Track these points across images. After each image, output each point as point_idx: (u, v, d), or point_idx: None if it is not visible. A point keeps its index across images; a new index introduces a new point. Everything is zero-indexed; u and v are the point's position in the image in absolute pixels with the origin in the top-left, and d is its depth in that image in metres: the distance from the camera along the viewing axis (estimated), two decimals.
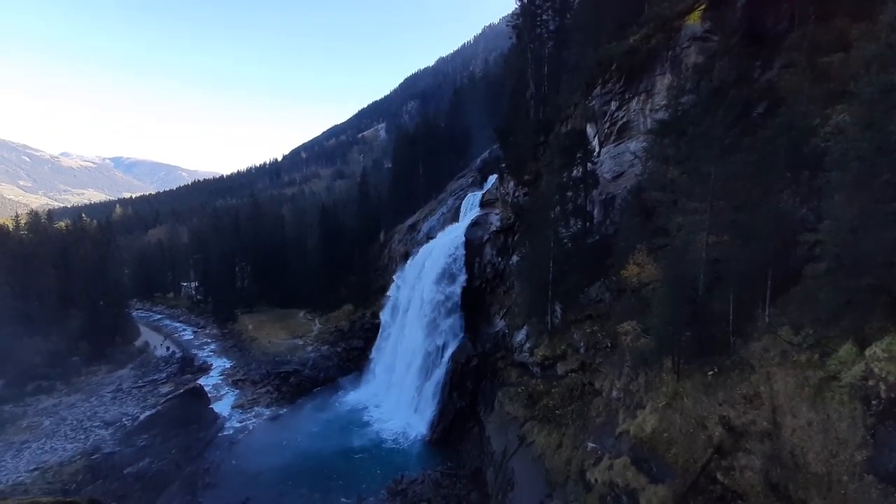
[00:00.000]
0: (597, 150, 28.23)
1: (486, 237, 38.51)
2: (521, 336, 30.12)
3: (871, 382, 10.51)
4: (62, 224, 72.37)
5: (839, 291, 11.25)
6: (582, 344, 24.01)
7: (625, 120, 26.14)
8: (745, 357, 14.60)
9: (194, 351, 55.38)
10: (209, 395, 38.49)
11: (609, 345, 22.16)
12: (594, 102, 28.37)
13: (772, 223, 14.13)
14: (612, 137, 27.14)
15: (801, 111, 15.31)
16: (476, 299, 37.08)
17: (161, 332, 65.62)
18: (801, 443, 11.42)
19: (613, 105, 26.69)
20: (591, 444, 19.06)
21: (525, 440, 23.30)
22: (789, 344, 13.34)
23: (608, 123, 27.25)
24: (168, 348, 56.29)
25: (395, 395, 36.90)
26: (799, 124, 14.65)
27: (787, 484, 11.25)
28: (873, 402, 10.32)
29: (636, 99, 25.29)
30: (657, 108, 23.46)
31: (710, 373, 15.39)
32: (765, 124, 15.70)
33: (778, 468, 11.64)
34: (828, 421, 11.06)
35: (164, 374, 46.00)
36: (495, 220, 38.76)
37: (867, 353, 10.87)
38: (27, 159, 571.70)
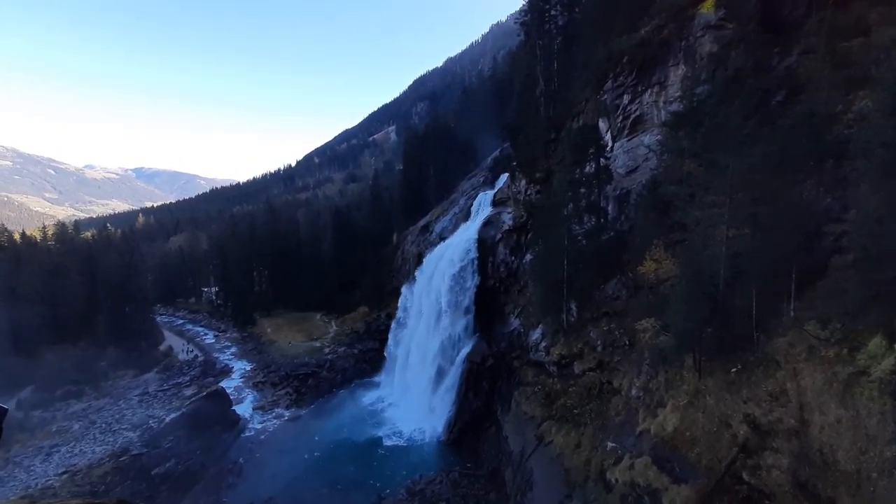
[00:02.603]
0: (610, 144, 27.83)
1: (498, 236, 38.36)
2: (536, 335, 29.90)
3: None
4: (88, 234, 75.11)
5: (867, 283, 10.84)
6: (599, 342, 23.68)
7: (638, 113, 25.71)
8: (770, 353, 14.19)
9: (216, 354, 56.73)
10: (231, 398, 39.36)
11: (627, 342, 21.81)
12: (606, 97, 27.99)
13: (794, 215, 13.70)
14: (626, 131, 26.72)
15: (823, 98, 14.82)
16: (490, 299, 36.97)
17: (184, 337, 67.44)
18: (829, 440, 11.05)
19: (626, 98, 26.28)
20: (610, 444, 18.78)
21: (543, 440, 23.11)
22: (816, 339, 12.90)
23: (621, 117, 26.84)
24: (191, 352, 57.81)
25: (412, 396, 37.08)
26: (820, 112, 14.18)
27: (815, 483, 10.89)
28: None
29: (649, 91, 24.85)
30: (671, 99, 23.00)
31: (734, 370, 15.00)
32: (784, 113, 15.24)
33: (806, 467, 11.28)
34: (857, 417, 10.67)
35: (187, 378, 47.28)
36: (508, 219, 38.58)
37: None
38: (52, 172, 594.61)
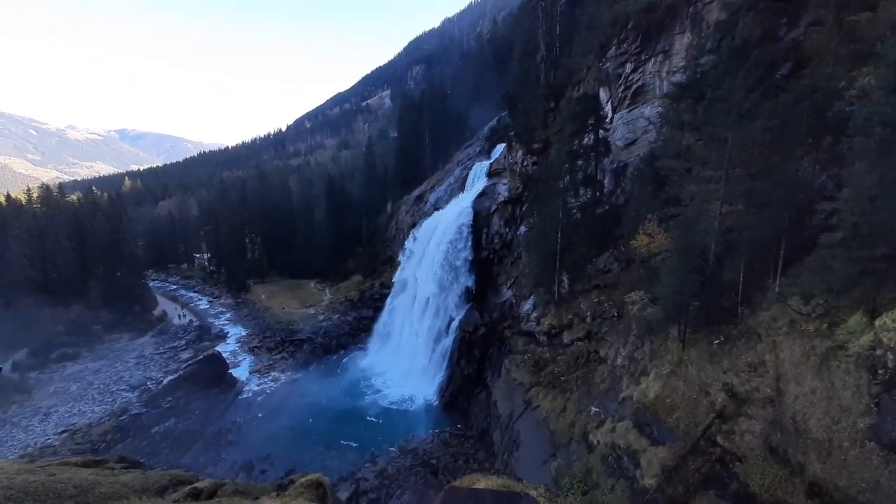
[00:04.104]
0: (609, 115, 27.31)
1: (493, 208, 38.21)
2: (528, 306, 30.49)
3: (878, 352, 10.56)
4: (74, 197, 73.21)
5: (853, 261, 11.09)
6: (589, 313, 24.28)
7: (640, 83, 25.08)
8: (753, 326, 14.69)
9: (211, 319, 57.25)
10: (227, 361, 40.13)
11: (616, 314, 22.40)
12: (608, 64, 27.16)
13: (788, 191, 13.76)
14: (626, 102, 26.16)
15: (827, 73, 14.53)
16: (484, 270, 37.34)
17: (178, 302, 67.67)
18: (803, 409, 11.67)
19: (628, 67, 25.54)
20: (594, 409, 19.69)
21: (531, 404, 24.12)
22: (798, 313, 13.35)
23: (622, 87, 26.18)
24: (185, 317, 58.23)
25: (405, 362, 38.10)
26: (823, 87, 13.94)
27: (786, 448, 11.60)
28: (879, 372, 10.41)
29: (653, 60, 24.14)
30: (675, 69, 22.41)
31: (716, 341, 15.56)
32: (788, 87, 14.94)
33: (778, 433, 11.97)
34: (832, 389, 11.23)
35: (183, 342, 47.89)
36: (503, 191, 38.29)
37: (877, 323, 10.86)
38: (34, 133, 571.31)
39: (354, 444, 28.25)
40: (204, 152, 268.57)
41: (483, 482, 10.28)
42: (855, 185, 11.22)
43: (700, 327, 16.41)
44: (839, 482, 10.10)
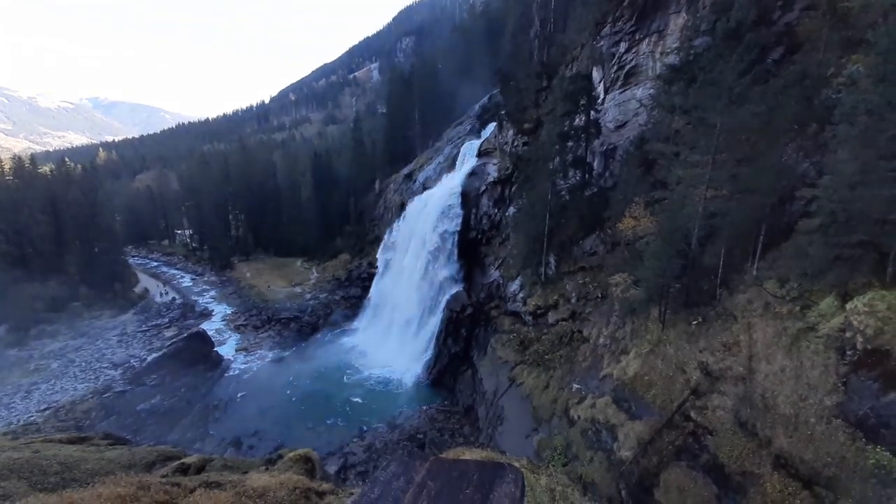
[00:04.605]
0: (601, 96, 27.07)
1: (482, 188, 38.02)
2: (514, 286, 30.88)
3: (848, 334, 11.08)
4: (46, 168, 69.84)
5: (829, 247, 11.48)
6: (574, 294, 24.76)
7: (633, 64, 24.81)
8: (730, 308, 15.22)
9: (194, 297, 56.47)
10: (213, 339, 39.90)
11: (600, 295, 22.90)
12: (602, 43, 26.72)
13: (772, 177, 14.02)
14: (619, 83, 25.93)
15: (817, 59, 14.59)
16: (472, 250, 37.46)
17: (160, 279, 66.33)
18: (772, 387, 12.28)
19: (622, 46, 25.18)
20: (576, 386, 20.38)
21: (515, 381, 24.81)
22: (773, 296, 13.85)
23: (616, 67, 25.88)
24: (168, 294, 57.28)
25: (393, 341, 38.49)
26: (813, 73, 14.03)
27: (755, 423, 12.26)
28: (848, 353, 10.95)
29: (647, 40, 23.83)
30: (668, 50, 22.20)
31: (695, 322, 16.10)
32: (778, 72, 15.00)
33: (748, 408, 12.62)
34: (801, 368, 11.81)
35: (166, 319, 47.31)
36: (493, 171, 38.02)
37: (848, 306, 11.35)
38: (4, 101, 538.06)
39: (342, 421, 28.76)
40: (183, 124, 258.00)
41: (468, 455, 10.63)
42: (836, 173, 11.48)
43: (680, 308, 16.93)
44: (805, 456, 10.74)
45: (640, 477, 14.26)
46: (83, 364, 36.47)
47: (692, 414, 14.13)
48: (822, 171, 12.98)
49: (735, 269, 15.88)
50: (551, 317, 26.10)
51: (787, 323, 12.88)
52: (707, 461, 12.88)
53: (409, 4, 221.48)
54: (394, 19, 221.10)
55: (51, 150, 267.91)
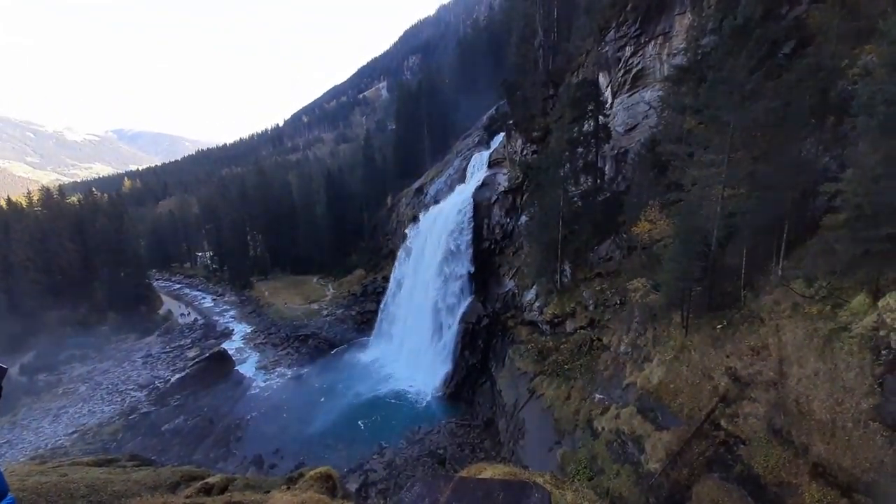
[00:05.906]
0: (609, 101, 26.97)
1: (494, 198, 38.04)
2: (530, 295, 30.52)
3: (882, 333, 10.53)
4: (74, 199, 73.25)
5: (857, 242, 11.00)
6: (591, 301, 24.29)
7: (640, 67, 24.71)
8: (756, 310, 14.66)
9: (215, 317, 57.66)
10: (234, 358, 40.53)
11: (618, 301, 22.39)
12: (607, 48, 26.74)
13: (791, 173, 13.60)
14: (626, 87, 25.82)
15: (830, 51, 14.23)
16: (485, 260, 37.32)
17: (182, 301, 68.10)
18: (806, 391, 11.69)
19: (628, 51, 25.14)
20: (598, 396, 19.81)
21: (535, 393, 24.29)
22: (801, 296, 13.30)
23: (622, 71, 25.81)
24: (190, 315, 58.65)
25: (410, 355, 38.35)
26: (826, 65, 13.66)
27: (789, 430, 11.65)
28: (883, 352, 10.39)
29: (652, 43, 23.75)
30: (675, 52, 22.03)
31: (720, 326, 15.55)
32: (790, 66, 14.67)
33: (781, 415, 12.01)
34: (835, 370, 11.23)
35: (189, 340, 48.34)
36: (503, 180, 38.07)
37: (880, 303, 10.81)
38: (31, 135, 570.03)
39: (361, 437, 28.61)
40: (202, 150, 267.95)
41: (489, 471, 10.39)
42: (858, 166, 11.06)
43: (703, 312, 16.39)
44: (843, 462, 10.15)
45: (670, 490, 13.65)
46: (110, 386, 37.39)
47: (722, 422, 13.53)
48: (845, 165, 12.54)
49: (759, 270, 15.35)
50: (569, 325, 25.62)
51: (817, 323, 12.32)
52: (741, 472, 12.27)
53: (414, 23, 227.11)
54: (400, 38, 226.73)
55: (78, 181, 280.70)
